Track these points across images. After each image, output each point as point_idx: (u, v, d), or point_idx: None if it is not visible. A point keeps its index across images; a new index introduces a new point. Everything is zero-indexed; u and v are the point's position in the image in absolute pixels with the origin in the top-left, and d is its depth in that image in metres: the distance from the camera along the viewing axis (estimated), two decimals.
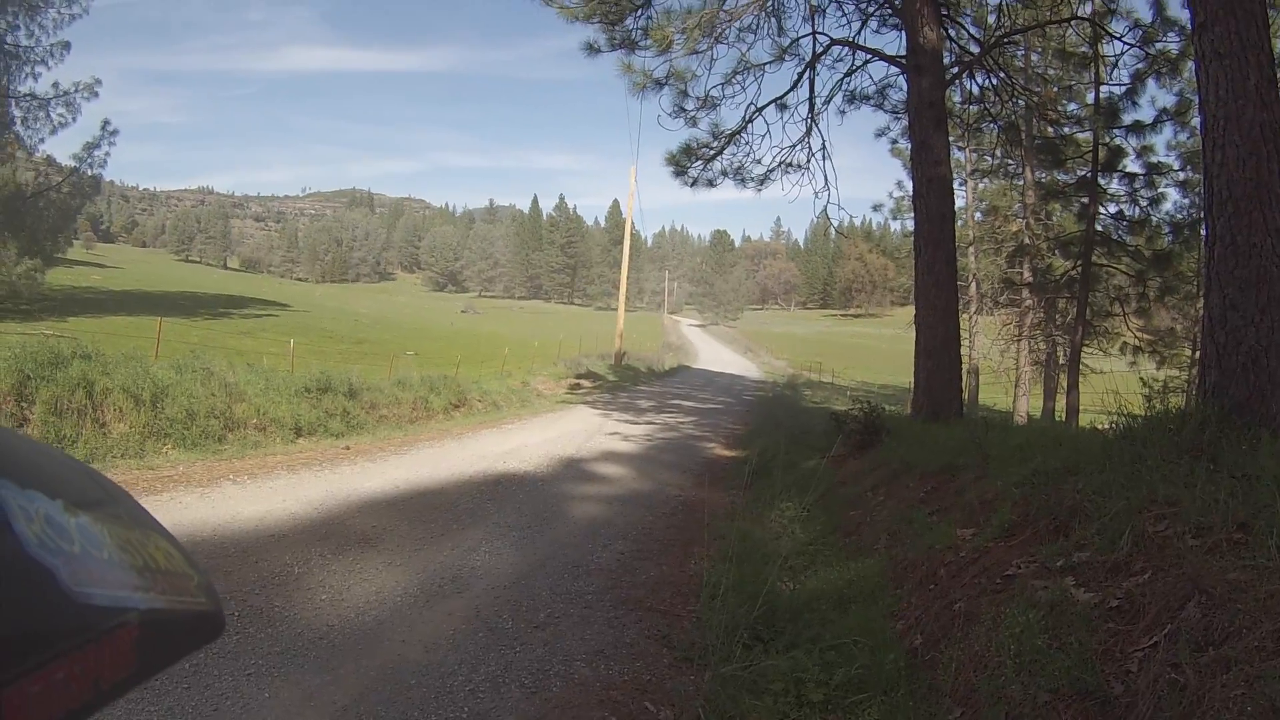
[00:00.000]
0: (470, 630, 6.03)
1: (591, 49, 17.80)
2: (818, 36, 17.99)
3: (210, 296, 75.42)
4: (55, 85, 37.66)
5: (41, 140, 38.73)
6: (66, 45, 37.95)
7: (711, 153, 19.26)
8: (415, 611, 6.32)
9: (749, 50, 18.25)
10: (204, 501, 9.09)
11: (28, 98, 37.33)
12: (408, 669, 5.26)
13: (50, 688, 0.56)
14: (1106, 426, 7.89)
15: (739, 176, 19.65)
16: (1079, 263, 22.19)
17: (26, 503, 0.60)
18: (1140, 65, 18.37)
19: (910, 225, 18.31)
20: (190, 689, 4.64)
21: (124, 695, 0.65)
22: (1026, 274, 29.26)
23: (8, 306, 34.65)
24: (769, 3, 17.58)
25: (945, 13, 16.38)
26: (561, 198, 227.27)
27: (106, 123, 39.50)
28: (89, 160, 39.78)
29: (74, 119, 38.27)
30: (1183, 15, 16.15)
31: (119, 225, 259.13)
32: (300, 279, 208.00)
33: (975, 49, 17.94)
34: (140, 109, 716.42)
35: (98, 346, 13.15)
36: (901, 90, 18.28)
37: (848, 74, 18.69)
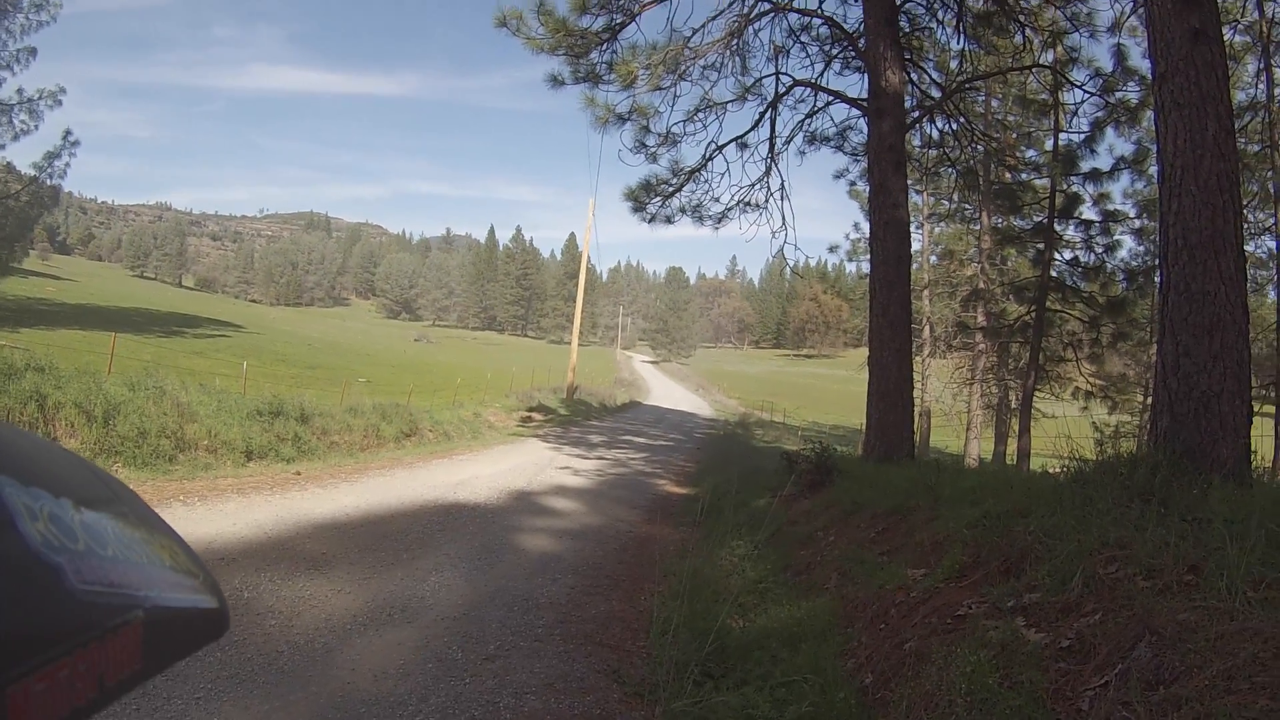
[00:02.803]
0: (420, 660, 5.99)
1: (556, 81, 17.85)
2: (780, 77, 18.18)
3: (164, 314, 75.10)
4: (19, 91, 37.30)
5: (2, 146, 38.38)
6: (33, 52, 37.65)
7: (671, 189, 19.33)
8: (365, 640, 6.29)
9: (712, 88, 18.39)
10: None
11: None
12: (357, 697, 5.23)
13: (55, 685, 0.57)
14: (1058, 470, 7.97)
15: (697, 214, 19.73)
16: (1033, 308, 22.47)
17: (31, 500, 0.61)
18: (1100, 114, 18.72)
19: (866, 267, 18.51)
20: (140, 711, 4.59)
21: (129, 692, 0.65)
22: (980, 318, 29.60)
23: None
24: (734, 42, 17.71)
25: (908, 57, 16.59)
26: (518, 229, 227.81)
27: (68, 133, 39.15)
28: (49, 170, 39.35)
29: (36, 127, 37.86)
30: (1143, 65, 16.49)
31: (75, 237, 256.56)
32: (254, 300, 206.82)
33: (936, 93, 18.16)
34: (103, 121, 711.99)
35: (51, 359, 13.05)
36: (862, 133, 18.49)
37: (809, 115, 18.87)
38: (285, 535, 9.32)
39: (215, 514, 9.84)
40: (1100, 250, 22.14)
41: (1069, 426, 9.37)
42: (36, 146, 39.21)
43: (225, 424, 14.20)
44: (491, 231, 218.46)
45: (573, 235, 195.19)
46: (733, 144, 18.95)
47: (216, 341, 54.42)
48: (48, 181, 40.12)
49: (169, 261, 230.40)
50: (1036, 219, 23.11)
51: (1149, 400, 18.15)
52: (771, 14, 17.69)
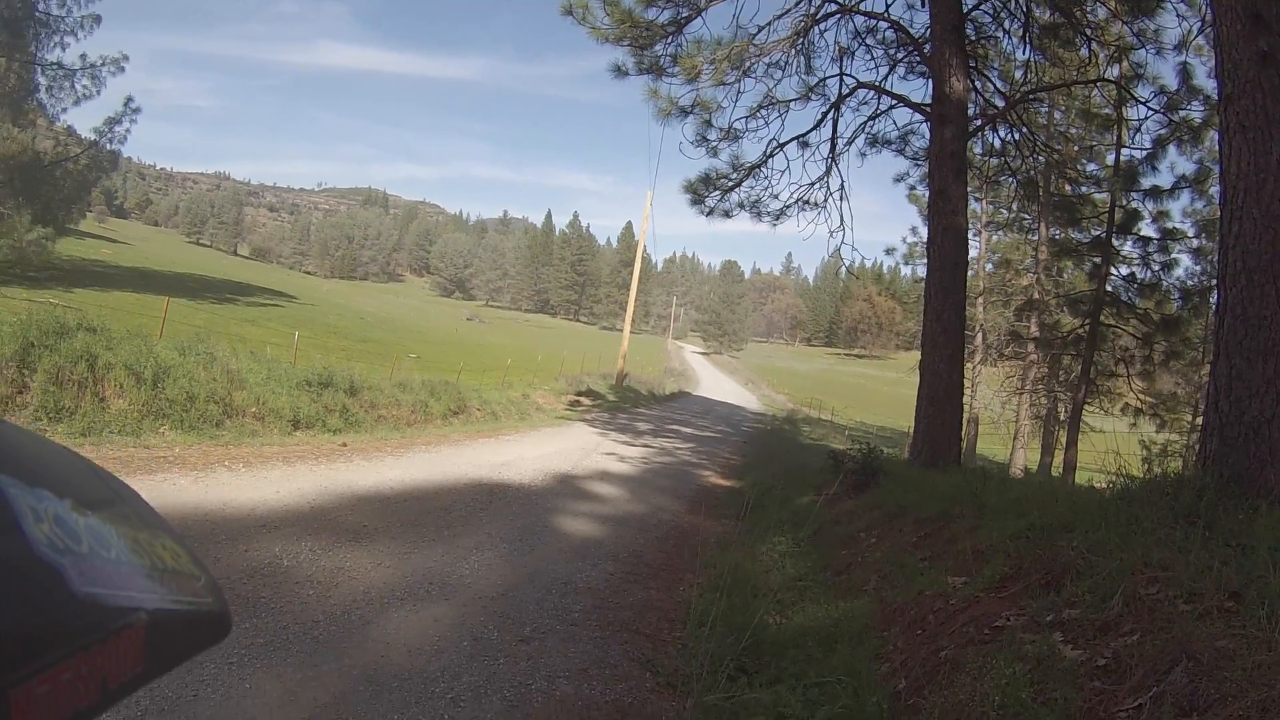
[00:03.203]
0: (455, 638, 6.00)
1: (620, 71, 17.83)
2: (845, 78, 18.04)
3: (218, 281, 75.78)
4: (83, 57, 37.68)
5: (64, 110, 38.77)
6: (97, 19, 37.97)
7: (730, 184, 19.28)
8: (401, 614, 6.30)
9: (775, 86, 18.28)
10: (198, 486, 9.08)
11: (54, 66, 37.38)
12: (390, 671, 5.24)
13: (58, 688, 0.57)
14: (1104, 486, 7.86)
15: (755, 210, 19.65)
16: (1087, 321, 22.23)
17: (35, 501, 0.60)
18: (1162, 131, 18.43)
19: (921, 271, 18.33)
20: (171, 675, 4.59)
21: (131, 695, 0.65)
22: (1034, 328, 29.35)
23: (15, 273, 34.61)
24: (799, 42, 17.62)
25: (973, 65, 16.40)
26: (575, 215, 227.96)
27: (129, 99, 39.48)
28: (109, 135, 39.71)
29: (98, 92, 38.28)
30: (1208, 85, 16.26)
31: (133, 202, 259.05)
32: (309, 272, 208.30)
33: (1000, 103, 18.01)
34: (166, 89, 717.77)
35: (102, 321, 13.14)
36: (923, 137, 18.32)
37: (872, 117, 18.75)
38: (328, 505, 9.38)
39: (259, 481, 9.91)
40: (1157, 268, 21.88)
41: (1117, 442, 9.26)
42: (98, 111, 39.79)
43: (274, 393, 14.29)
44: (549, 216, 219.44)
45: (629, 224, 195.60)
46: (794, 142, 18.84)
47: (269, 311, 54.86)
48: (107, 146, 40.52)
49: (225, 230, 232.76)
50: (1095, 233, 22.79)
51: (1198, 421, 17.82)
52: (838, 15, 17.59)
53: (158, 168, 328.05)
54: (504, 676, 5.46)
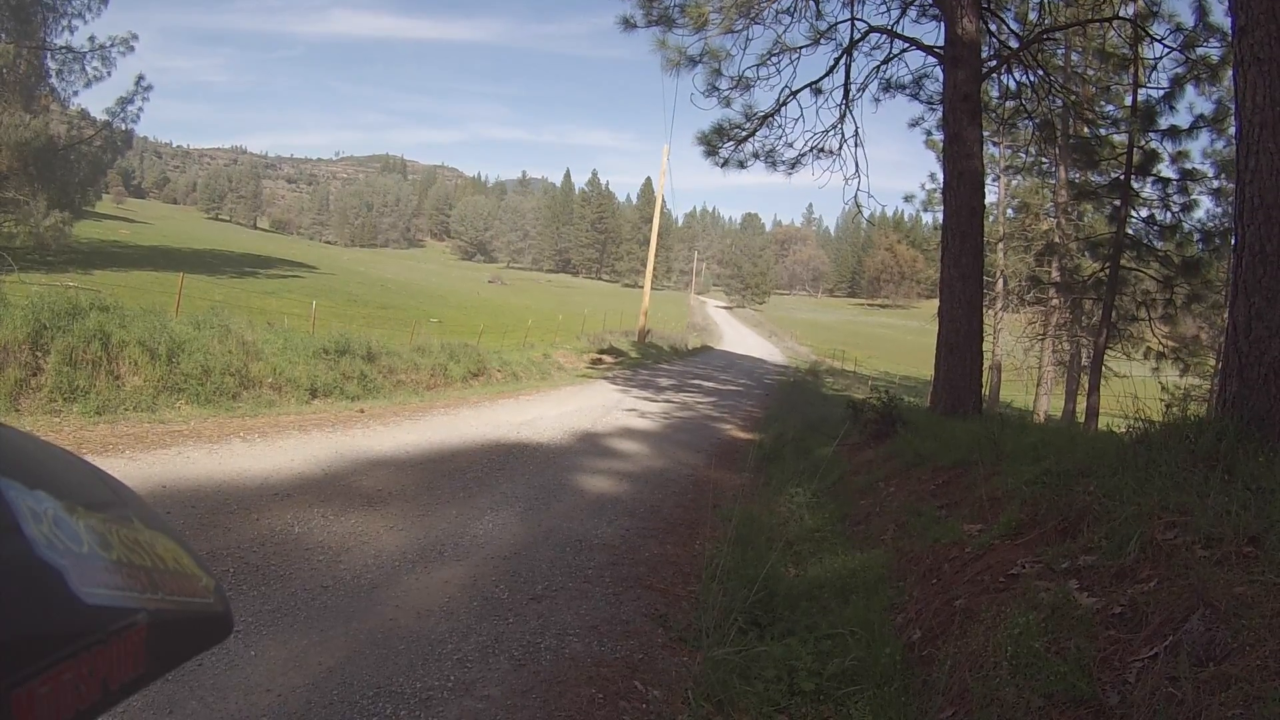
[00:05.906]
0: (465, 599, 5.99)
1: (628, 24, 17.76)
2: (856, 22, 17.87)
3: (237, 255, 76.05)
4: (91, 39, 37.93)
5: (75, 93, 39.11)
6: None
7: (744, 134, 19.17)
8: (412, 577, 6.30)
9: (785, 32, 18.12)
10: (211, 458, 9.10)
11: (63, 50, 37.54)
12: (398, 634, 5.22)
13: (59, 689, 0.57)
14: (1123, 431, 7.78)
15: (770, 159, 19.55)
16: (1107, 265, 22.02)
17: (35, 504, 0.61)
18: (1180, 70, 18.20)
19: (941, 218, 18.21)
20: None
21: (132, 696, 0.66)
22: (1054, 273, 29.16)
23: (34, 258, 34.66)
24: None
25: (986, 5, 16.20)
26: (594, 173, 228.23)
27: (141, 78, 39.71)
28: (122, 115, 40.01)
29: (108, 73, 38.58)
30: (1225, 22, 15.98)
31: (150, 181, 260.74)
32: (329, 242, 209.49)
33: (1014, 44, 17.78)
34: (180, 67, 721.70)
35: (119, 300, 13.16)
36: (937, 81, 18.10)
37: (884, 62, 18.56)
38: (343, 471, 9.40)
39: (274, 450, 9.93)
40: (1177, 209, 21.66)
41: (1139, 387, 9.16)
42: (110, 92, 40.09)
43: (290, 362, 14.34)
44: (567, 175, 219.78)
45: (649, 180, 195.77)
46: (807, 89, 18.72)
47: (289, 282, 55.00)
48: (120, 126, 40.79)
49: (244, 204, 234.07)
50: (1113, 175, 22.58)
51: (1220, 365, 17.77)
52: None
53: (174, 145, 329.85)
54: (513, 636, 5.44)
